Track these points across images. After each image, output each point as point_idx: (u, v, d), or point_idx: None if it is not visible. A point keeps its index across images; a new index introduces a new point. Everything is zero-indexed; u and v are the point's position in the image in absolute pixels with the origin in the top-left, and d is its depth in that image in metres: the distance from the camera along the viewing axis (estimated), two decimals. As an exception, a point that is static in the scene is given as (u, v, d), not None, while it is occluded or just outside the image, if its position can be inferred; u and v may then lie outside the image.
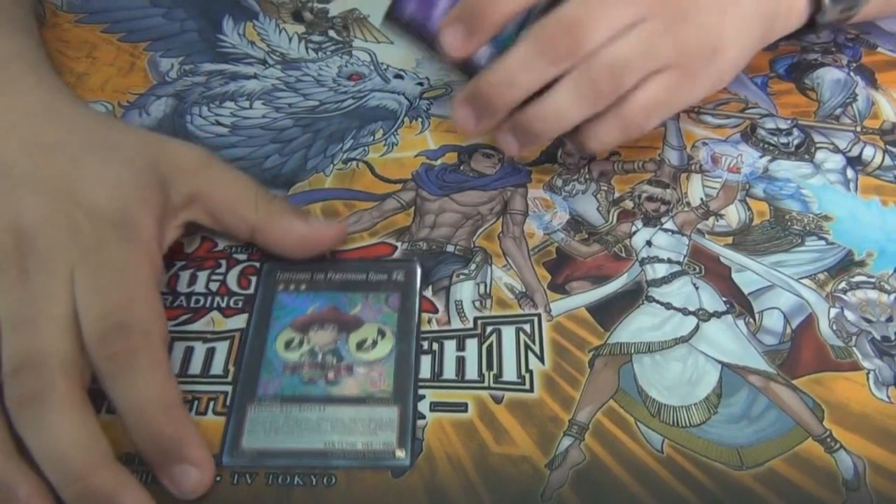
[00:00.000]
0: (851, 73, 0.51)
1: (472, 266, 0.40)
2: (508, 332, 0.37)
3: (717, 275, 0.40)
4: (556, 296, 0.39)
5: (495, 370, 0.36)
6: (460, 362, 0.36)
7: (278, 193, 0.43)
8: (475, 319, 0.38)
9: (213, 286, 0.39)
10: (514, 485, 0.32)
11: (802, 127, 0.47)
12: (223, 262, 0.40)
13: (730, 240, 0.41)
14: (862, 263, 0.40)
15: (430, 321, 0.38)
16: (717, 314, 0.38)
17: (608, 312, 0.38)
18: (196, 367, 0.36)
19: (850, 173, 0.45)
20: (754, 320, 0.38)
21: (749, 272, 0.40)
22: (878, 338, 0.37)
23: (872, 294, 0.39)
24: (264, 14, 0.54)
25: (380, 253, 0.40)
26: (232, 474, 0.32)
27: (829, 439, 0.34)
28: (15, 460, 0.30)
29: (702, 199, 0.43)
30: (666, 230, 0.42)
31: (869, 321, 0.38)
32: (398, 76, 0.50)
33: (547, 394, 0.35)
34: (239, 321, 0.37)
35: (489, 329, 0.37)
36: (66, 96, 0.41)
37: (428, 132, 0.47)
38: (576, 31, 0.38)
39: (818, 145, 0.46)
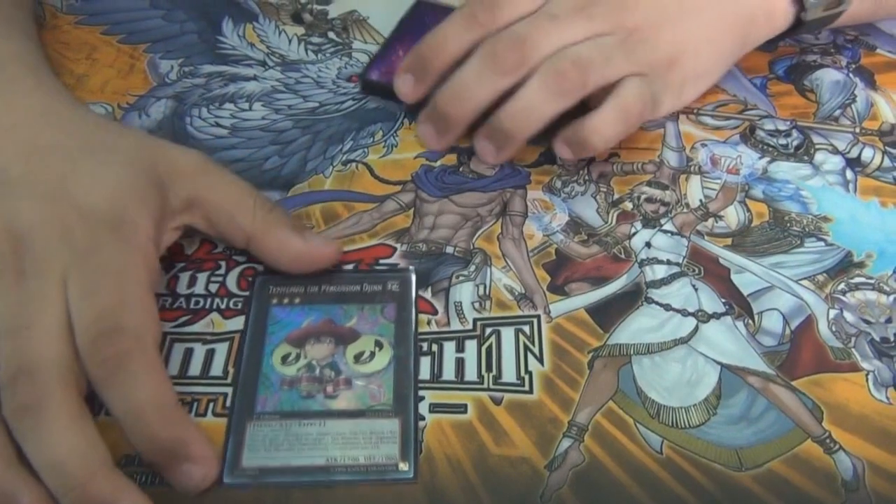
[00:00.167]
0: (850, 75, 0.51)
1: (472, 267, 0.40)
2: (508, 334, 0.37)
3: (717, 276, 0.40)
4: (556, 297, 0.39)
5: (495, 371, 0.36)
6: (460, 364, 0.36)
7: (277, 196, 0.43)
8: (474, 321, 0.38)
9: (213, 288, 0.39)
10: (513, 486, 0.32)
11: (801, 128, 0.47)
12: (223, 263, 0.40)
13: (729, 241, 0.41)
14: (861, 265, 0.40)
15: (429, 322, 0.38)
16: (717, 315, 0.38)
17: (607, 314, 0.38)
18: (196, 368, 0.36)
19: (849, 174, 0.45)
20: (753, 321, 0.38)
21: (748, 273, 0.40)
22: (878, 339, 0.37)
23: (871, 295, 0.39)
24: (264, 16, 0.54)
25: (379, 255, 0.40)
26: (231, 476, 0.32)
27: (828, 440, 0.34)
28: (16, 468, 0.30)
29: (701, 201, 0.43)
30: (665, 231, 0.42)
31: (868, 322, 0.38)
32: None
33: (546, 395, 0.35)
34: (238, 323, 0.37)
35: (488, 330, 0.37)
36: (65, 98, 0.41)
37: (427, 134, 0.47)
38: (523, 45, 0.41)
39: (817, 146, 0.46)
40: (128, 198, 0.35)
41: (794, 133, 0.47)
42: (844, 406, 0.35)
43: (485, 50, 0.42)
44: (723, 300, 0.39)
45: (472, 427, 0.34)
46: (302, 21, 0.54)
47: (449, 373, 0.36)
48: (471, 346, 0.37)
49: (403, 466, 0.33)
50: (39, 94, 0.40)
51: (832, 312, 0.38)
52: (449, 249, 0.41)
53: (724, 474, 0.33)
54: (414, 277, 0.39)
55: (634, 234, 0.42)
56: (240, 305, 0.38)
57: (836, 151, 0.46)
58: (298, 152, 0.45)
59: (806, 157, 0.46)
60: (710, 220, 0.42)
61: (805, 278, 0.40)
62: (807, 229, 0.42)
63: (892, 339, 0.37)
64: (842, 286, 0.39)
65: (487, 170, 0.45)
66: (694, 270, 0.40)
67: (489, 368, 0.36)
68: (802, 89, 0.50)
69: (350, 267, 0.40)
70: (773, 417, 0.35)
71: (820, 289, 0.39)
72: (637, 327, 0.38)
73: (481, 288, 0.39)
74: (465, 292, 0.39)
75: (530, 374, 0.36)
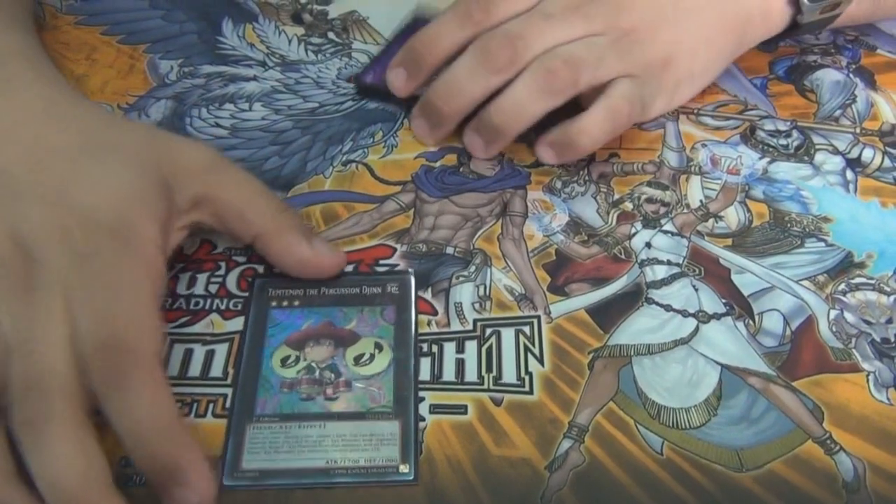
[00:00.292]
0: (851, 75, 0.51)
1: (472, 268, 0.40)
2: (508, 334, 0.37)
3: (717, 276, 0.40)
4: (556, 298, 0.39)
5: (495, 372, 0.36)
6: (460, 364, 0.36)
7: (278, 196, 0.42)
8: (475, 321, 0.38)
9: (213, 288, 0.39)
10: (513, 487, 0.32)
11: (802, 128, 0.47)
12: (222, 264, 0.40)
13: (729, 241, 0.41)
14: (861, 265, 0.40)
15: (429, 323, 0.38)
16: (717, 316, 0.38)
17: (608, 314, 0.38)
18: (195, 369, 0.36)
19: (849, 175, 0.45)
20: (754, 322, 0.38)
21: (749, 274, 0.40)
22: (878, 340, 0.37)
23: (872, 296, 0.39)
24: (264, 16, 0.54)
25: (379, 255, 0.40)
26: (231, 477, 0.32)
27: (828, 441, 0.34)
28: (14, 483, 0.29)
29: (701, 201, 0.43)
30: (665, 232, 0.42)
31: (869, 323, 0.38)
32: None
33: (546, 396, 0.35)
34: (238, 324, 0.37)
35: (489, 331, 0.37)
36: (68, 93, 0.40)
37: (427, 134, 0.47)
38: (516, 43, 0.41)
39: (817, 147, 0.46)
40: (132, 203, 0.35)
41: (795, 133, 0.47)
42: (845, 407, 0.35)
43: (477, 47, 0.42)
44: (723, 301, 0.39)
45: (472, 428, 0.34)
46: (302, 21, 0.54)
47: (449, 374, 0.36)
48: (471, 346, 0.37)
49: (404, 468, 0.33)
50: (41, 90, 0.39)
51: (833, 313, 0.38)
52: (449, 250, 0.41)
53: (724, 475, 0.33)
54: (413, 280, 0.39)
55: (635, 234, 0.42)
56: (239, 306, 0.38)
57: (836, 152, 0.46)
58: (298, 153, 0.45)
59: (806, 158, 0.46)
60: (711, 221, 0.42)
61: (805, 279, 0.40)
62: (807, 230, 0.42)
63: (892, 339, 0.37)
64: (842, 287, 0.39)
65: (487, 170, 0.45)
66: (694, 271, 0.40)
67: (489, 369, 0.36)
68: (803, 89, 0.50)
69: (350, 268, 0.40)
70: (774, 418, 0.35)
71: (820, 289, 0.39)
72: (637, 328, 0.37)
73: (481, 288, 0.39)
74: (465, 293, 0.39)
75: (530, 374, 0.36)
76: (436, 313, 0.38)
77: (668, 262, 0.40)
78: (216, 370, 0.36)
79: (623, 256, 0.41)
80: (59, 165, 0.35)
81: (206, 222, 0.37)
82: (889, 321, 0.38)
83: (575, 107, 0.42)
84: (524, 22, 0.42)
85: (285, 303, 0.38)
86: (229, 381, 0.35)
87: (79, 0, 0.54)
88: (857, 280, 0.40)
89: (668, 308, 0.38)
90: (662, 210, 0.43)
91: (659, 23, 0.42)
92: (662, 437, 0.34)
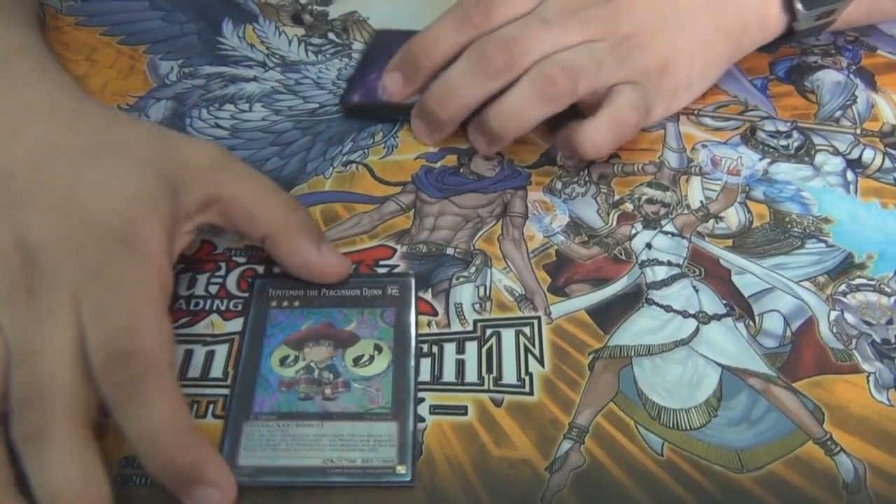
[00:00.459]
0: (851, 76, 0.51)
1: (472, 269, 0.40)
2: (508, 335, 0.37)
3: (717, 277, 0.40)
4: (556, 298, 0.39)
5: (495, 373, 0.36)
6: (460, 365, 0.36)
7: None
8: (475, 322, 0.38)
9: (213, 289, 0.39)
10: (513, 488, 0.32)
11: (802, 129, 0.47)
12: (223, 264, 0.40)
13: (730, 242, 0.41)
14: (862, 266, 0.40)
15: (429, 324, 0.38)
16: (717, 317, 0.38)
17: (608, 315, 0.38)
18: (195, 370, 0.36)
19: (849, 176, 0.45)
20: (754, 323, 0.38)
21: (749, 275, 0.40)
22: (879, 340, 0.37)
23: (872, 297, 0.39)
24: (264, 17, 0.54)
25: (379, 256, 0.40)
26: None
27: (829, 442, 0.34)
28: (12, 493, 0.29)
29: (701, 202, 0.43)
30: (666, 233, 0.42)
31: (869, 324, 0.38)
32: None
33: (547, 397, 0.35)
34: (238, 324, 0.37)
35: (489, 332, 0.37)
36: (72, 91, 0.39)
37: (427, 135, 0.47)
38: (512, 48, 0.41)
39: (818, 148, 0.46)
40: (137, 208, 0.34)
41: (795, 134, 0.47)
42: (845, 408, 0.35)
43: (474, 51, 0.42)
44: (723, 301, 0.39)
45: (472, 428, 0.34)
46: (302, 22, 0.54)
47: (449, 374, 0.36)
48: (471, 347, 0.37)
49: (401, 469, 0.32)
50: (46, 89, 0.38)
51: (833, 314, 0.38)
52: (449, 251, 0.41)
53: (724, 476, 0.33)
54: (414, 282, 0.39)
55: (635, 235, 0.42)
56: (240, 307, 0.38)
57: (836, 152, 0.46)
58: (298, 153, 0.45)
59: (807, 159, 0.46)
60: (711, 222, 0.42)
61: (806, 280, 0.40)
62: (807, 230, 0.42)
63: (893, 340, 0.37)
64: (843, 287, 0.39)
65: (488, 171, 0.45)
66: (695, 272, 0.40)
67: (489, 370, 0.36)
68: (803, 90, 0.50)
69: (350, 269, 0.39)
70: (774, 419, 0.34)
71: (821, 290, 0.39)
72: (638, 329, 0.37)
73: (482, 289, 0.39)
74: (465, 294, 0.39)
75: (531, 375, 0.36)
76: (436, 314, 0.38)
77: (669, 263, 0.40)
78: (216, 371, 0.36)
79: (623, 257, 0.41)
80: (67, 169, 0.35)
81: (216, 223, 0.37)
82: (889, 322, 0.38)
83: (576, 107, 0.42)
84: (522, 26, 0.42)
85: (285, 303, 0.38)
86: (229, 381, 0.35)
87: (79, 1, 0.54)
88: (858, 281, 0.40)
89: (668, 309, 0.38)
90: (663, 211, 0.43)
91: (657, 28, 0.42)
92: (663, 438, 0.34)
